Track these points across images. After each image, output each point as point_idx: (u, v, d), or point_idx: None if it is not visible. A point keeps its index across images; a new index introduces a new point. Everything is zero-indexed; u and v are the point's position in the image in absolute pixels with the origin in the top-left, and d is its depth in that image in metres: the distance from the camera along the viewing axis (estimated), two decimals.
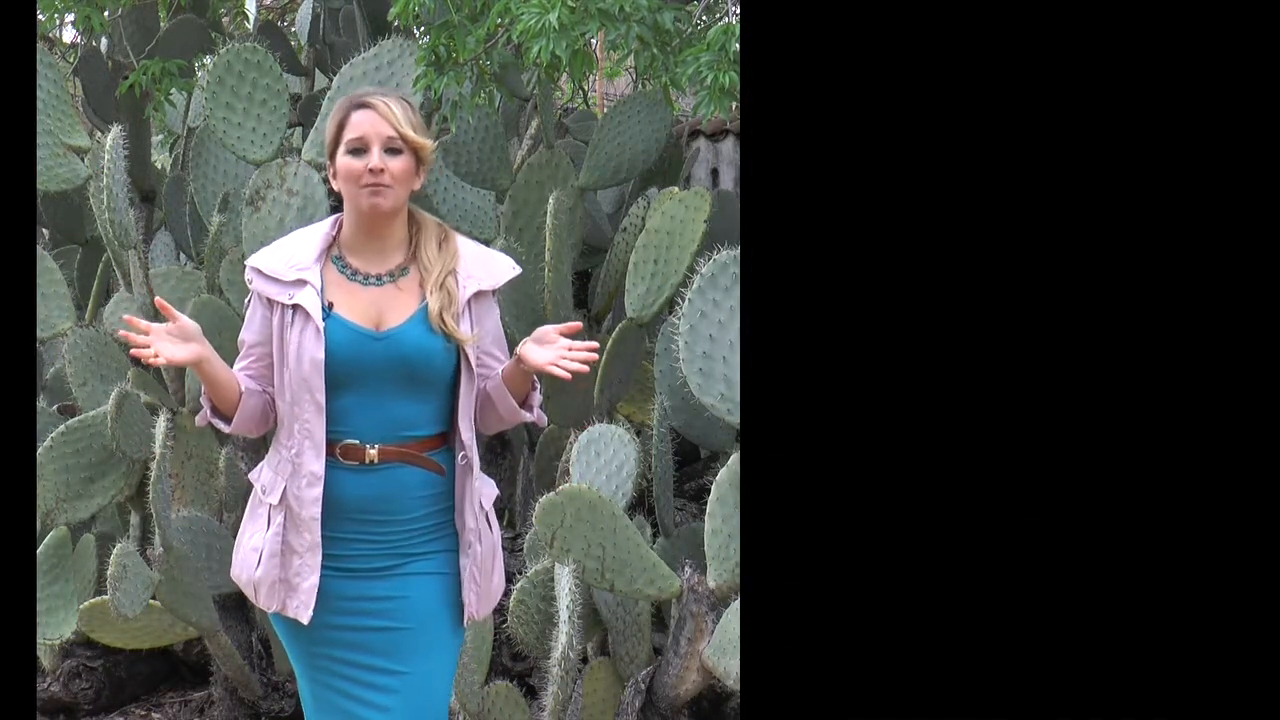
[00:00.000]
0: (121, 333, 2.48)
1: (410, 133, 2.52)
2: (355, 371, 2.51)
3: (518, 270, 2.65)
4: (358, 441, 2.52)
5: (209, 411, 2.58)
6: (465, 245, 2.62)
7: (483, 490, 2.64)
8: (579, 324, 2.59)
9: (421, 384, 2.54)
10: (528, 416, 2.65)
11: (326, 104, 4.17)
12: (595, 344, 2.55)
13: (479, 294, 2.58)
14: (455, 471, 2.58)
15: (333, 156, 2.56)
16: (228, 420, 2.57)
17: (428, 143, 2.55)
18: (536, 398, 2.65)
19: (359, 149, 2.52)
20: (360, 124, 2.52)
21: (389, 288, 2.56)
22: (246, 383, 2.57)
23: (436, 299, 2.53)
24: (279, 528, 2.54)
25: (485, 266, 2.61)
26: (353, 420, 2.52)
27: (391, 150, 2.51)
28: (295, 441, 2.53)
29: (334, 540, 2.53)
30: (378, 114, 2.51)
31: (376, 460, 2.52)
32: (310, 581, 2.52)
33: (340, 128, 2.54)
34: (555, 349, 2.52)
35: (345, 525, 2.54)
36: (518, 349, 2.56)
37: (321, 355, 2.49)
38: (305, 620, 2.53)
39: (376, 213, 2.53)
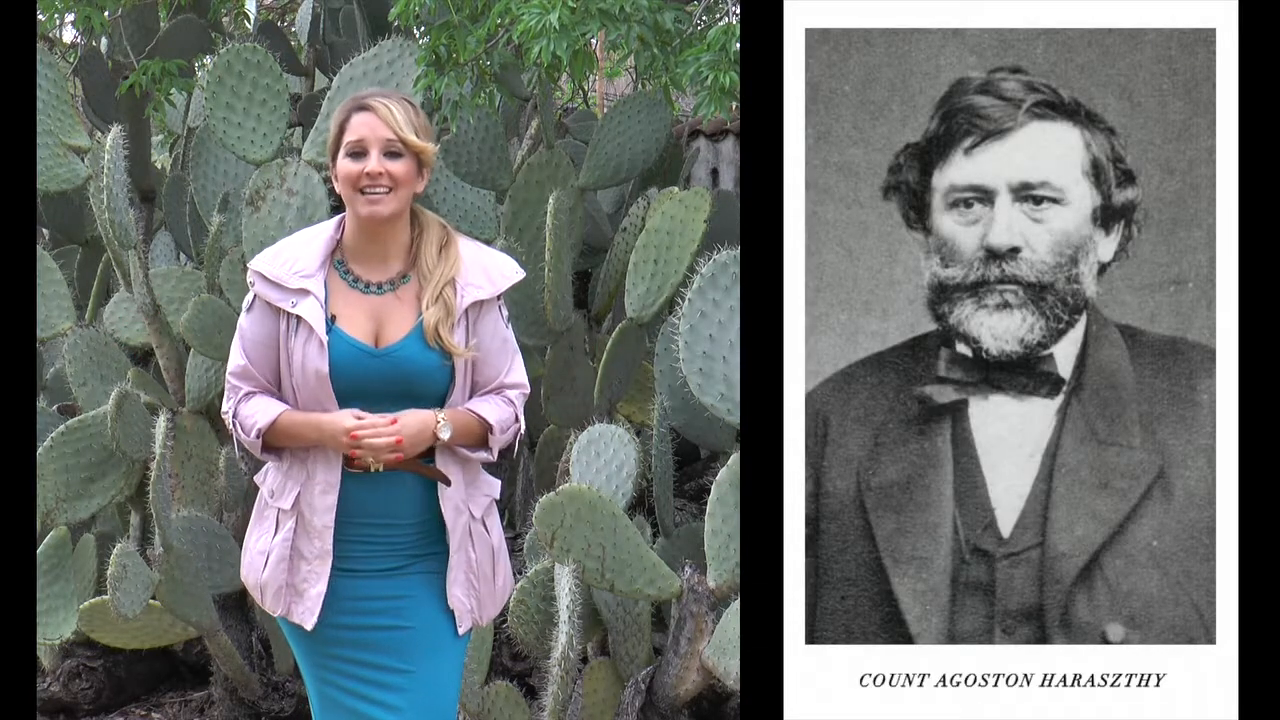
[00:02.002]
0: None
1: (411, 136, 2.49)
2: (354, 386, 2.50)
3: (521, 274, 2.62)
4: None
5: (261, 452, 2.56)
6: (467, 249, 2.59)
7: (482, 489, 2.63)
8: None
9: (419, 397, 2.52)
10: (483, 455, 2.59)
11: (327, 104, 4.16)
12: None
13: (478, 302, 2.56)
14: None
15: (334, 158, 2.54)
16: (279, 452, 2.57)
17: (429, 146, 2.52)
18: (496, 439, 2.58)
19: (358, 152, 2.50)
20: (360, 126, 2.50)
21: (389, 297, 2.55)
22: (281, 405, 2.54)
23: (433, 313, 2.50)
24: (289, 533, 2.53)
25: (486, 274, 2.58)
26: None
27: (391, 154, 2.50)
28: (309, 448, 2.52)
29: (341, 543, 2.53)
30: (378, 117, 2.49)
31: (381, 469, 2.51)
32: (317, 589, 2.52)
33: (341, 130, 2.52)
34: None
35: (352, 529, 2.54)
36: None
37: (326, 367, 2.48)
38: (309, 627, 2.52)
39: (375, 219, 2.51)
